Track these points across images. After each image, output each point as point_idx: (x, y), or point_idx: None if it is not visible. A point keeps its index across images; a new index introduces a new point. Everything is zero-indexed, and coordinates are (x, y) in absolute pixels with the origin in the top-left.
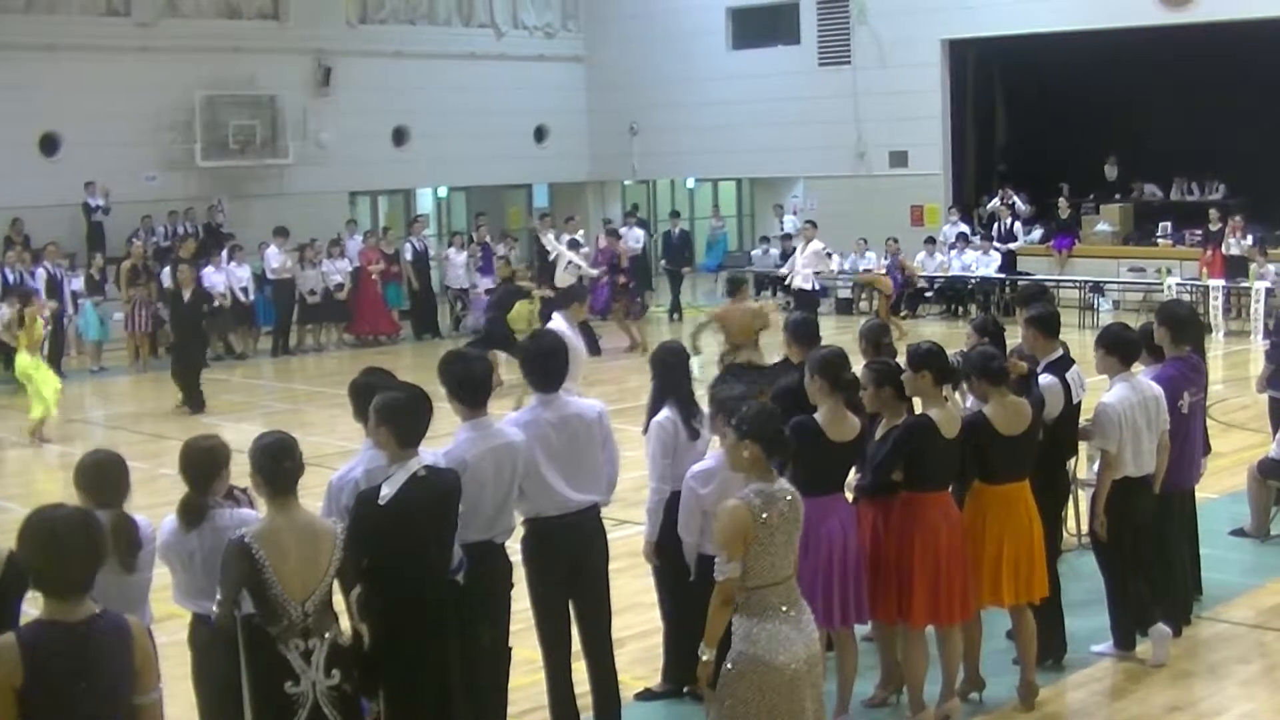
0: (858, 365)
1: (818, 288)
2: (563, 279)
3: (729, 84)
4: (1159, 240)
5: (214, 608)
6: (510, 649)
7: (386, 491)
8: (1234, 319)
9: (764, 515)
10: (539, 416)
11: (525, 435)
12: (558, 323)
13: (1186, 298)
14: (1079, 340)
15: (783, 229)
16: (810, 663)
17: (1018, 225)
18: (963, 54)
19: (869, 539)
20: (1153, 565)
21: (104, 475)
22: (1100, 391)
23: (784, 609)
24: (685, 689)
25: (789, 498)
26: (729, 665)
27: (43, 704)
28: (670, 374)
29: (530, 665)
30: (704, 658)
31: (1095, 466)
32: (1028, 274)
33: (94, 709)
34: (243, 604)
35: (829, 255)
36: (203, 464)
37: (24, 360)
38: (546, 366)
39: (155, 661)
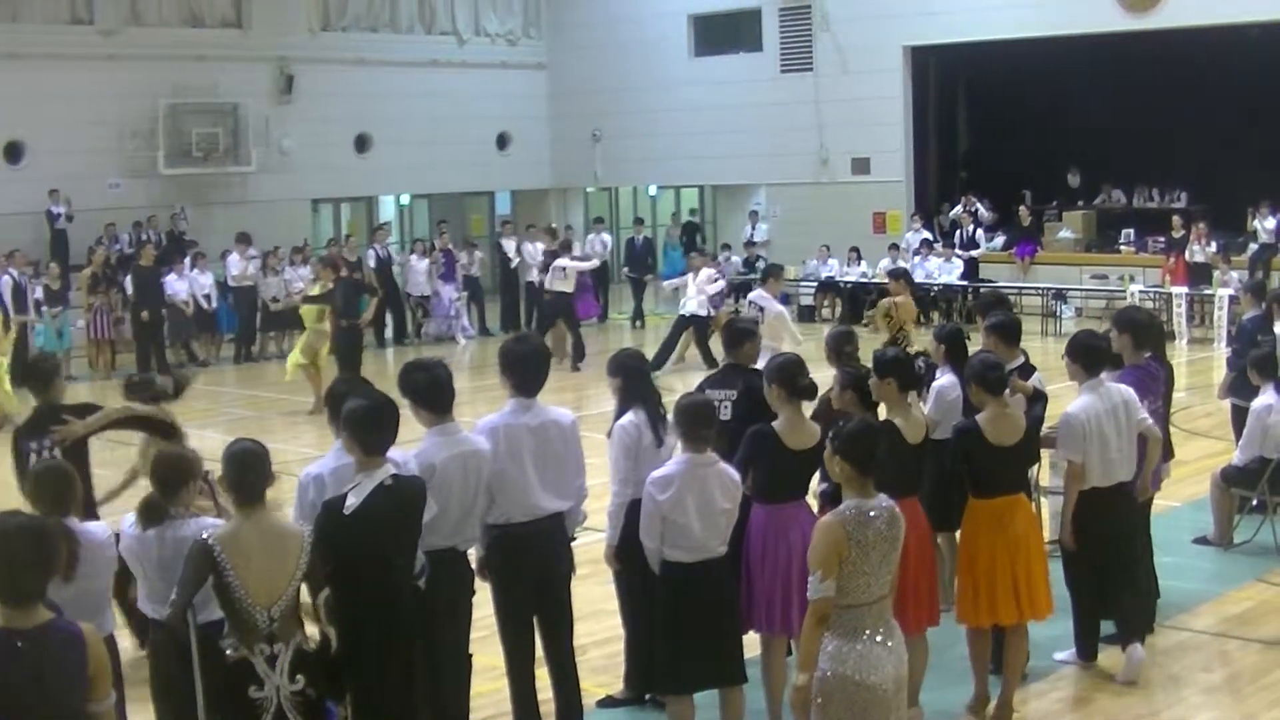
0: (824, 372)
1: (710, 314)
2: (556, 284)
3: (691, 91)
4: (1122, 247)
5: (167, 606)
6: (471, 655)
7: (352, 501)
8: (1197, 326)
9: (859, 533)
10: (517, 420)
11: (501, 438)
12: (760, 296)
13: (1150, 305)
14: (1041, 348)
15: (753, 236)
16: (898, 684)
17: (980, 232)
18: (925, 61)
19: None
20: (1120, 575)
21: (43, 485)
22: (1062, 400)
23: (876, 629)
24: (647, 696)
25: (886, 516)
26: (815, 685)
27: None
28: (634, 380)
29: (493, 672)
30: (797, 682)
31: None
32: (990, 281)
33: (48, 715)
34: (199, 613)
35: (719, 279)
36: (171, 472)
37: None
38: (526, 370)
39: (109, 669)
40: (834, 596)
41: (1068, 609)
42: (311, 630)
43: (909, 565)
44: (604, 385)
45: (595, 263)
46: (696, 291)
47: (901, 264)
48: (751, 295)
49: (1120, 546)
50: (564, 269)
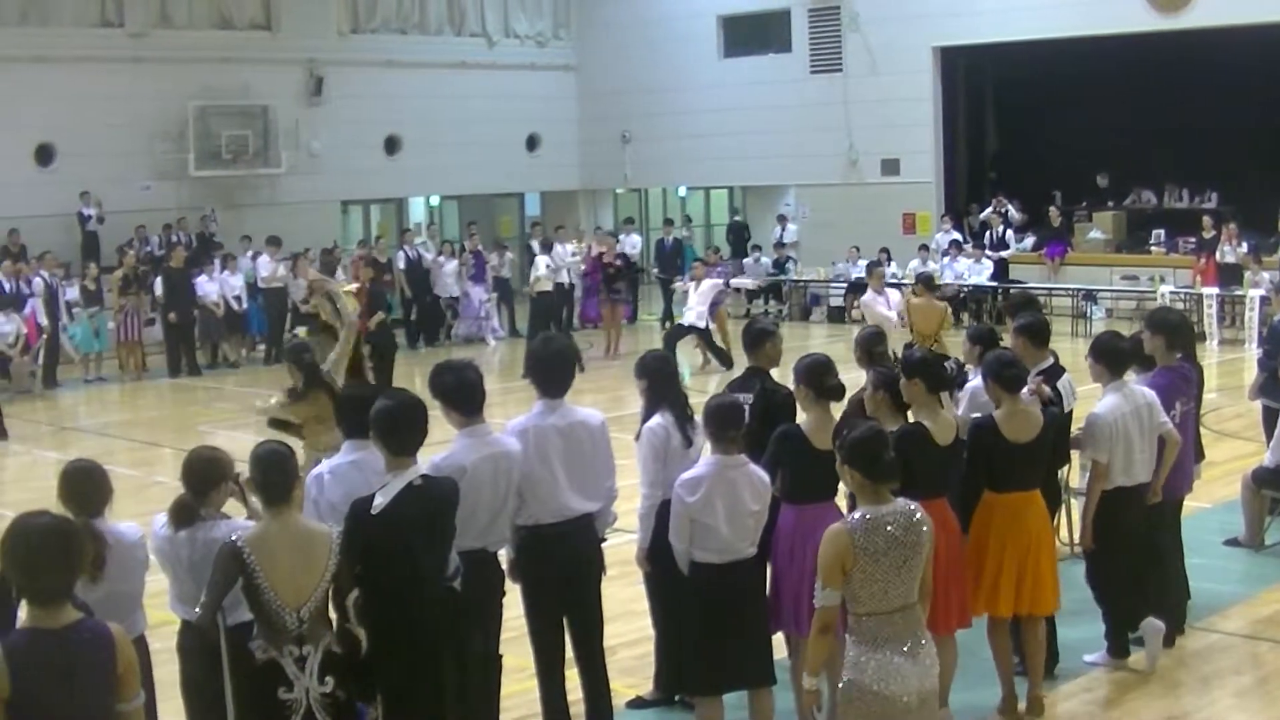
0: (854, 373)
1: (710, 326)
2: (541, 284)
3: (720, 92)
4: (1152, 248)
5: (197, 609)
6: (500, 656)
7: (379, 501)
8: (1228, 327)
9: (865, 541)
10: (545, 421)
11: (530, 439)
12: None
13: (1180, 306)
14: (1071, 349)
15: (781, 238)
16: (923, 697)
17: (1009, 233)
18: (954, 61)
19: None
20: (1148, 575)
21: (71, 486)
22: (1091, 401)
23: (899, 639)
24: (676, 697)
25: (902, 521)
26: (840, 691)
27: (28, 711)
28: (661, 381)
29: (522, 673)
30: (805, 685)
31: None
32: (1020, 282)
33: (76, 715)
34: (229, 614)
35: (727, 285)
36: (202, 473)
37: None
38: (553, 371)
39: (138, 668)
40: (835, 605)
41: (1094, 611)
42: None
43: (937, 567)
44: (633, 387)
45: (559, 274)
46: (698, 302)
47: (929, 268)
48: None
49: (1143, 545)
50: (555, 268)
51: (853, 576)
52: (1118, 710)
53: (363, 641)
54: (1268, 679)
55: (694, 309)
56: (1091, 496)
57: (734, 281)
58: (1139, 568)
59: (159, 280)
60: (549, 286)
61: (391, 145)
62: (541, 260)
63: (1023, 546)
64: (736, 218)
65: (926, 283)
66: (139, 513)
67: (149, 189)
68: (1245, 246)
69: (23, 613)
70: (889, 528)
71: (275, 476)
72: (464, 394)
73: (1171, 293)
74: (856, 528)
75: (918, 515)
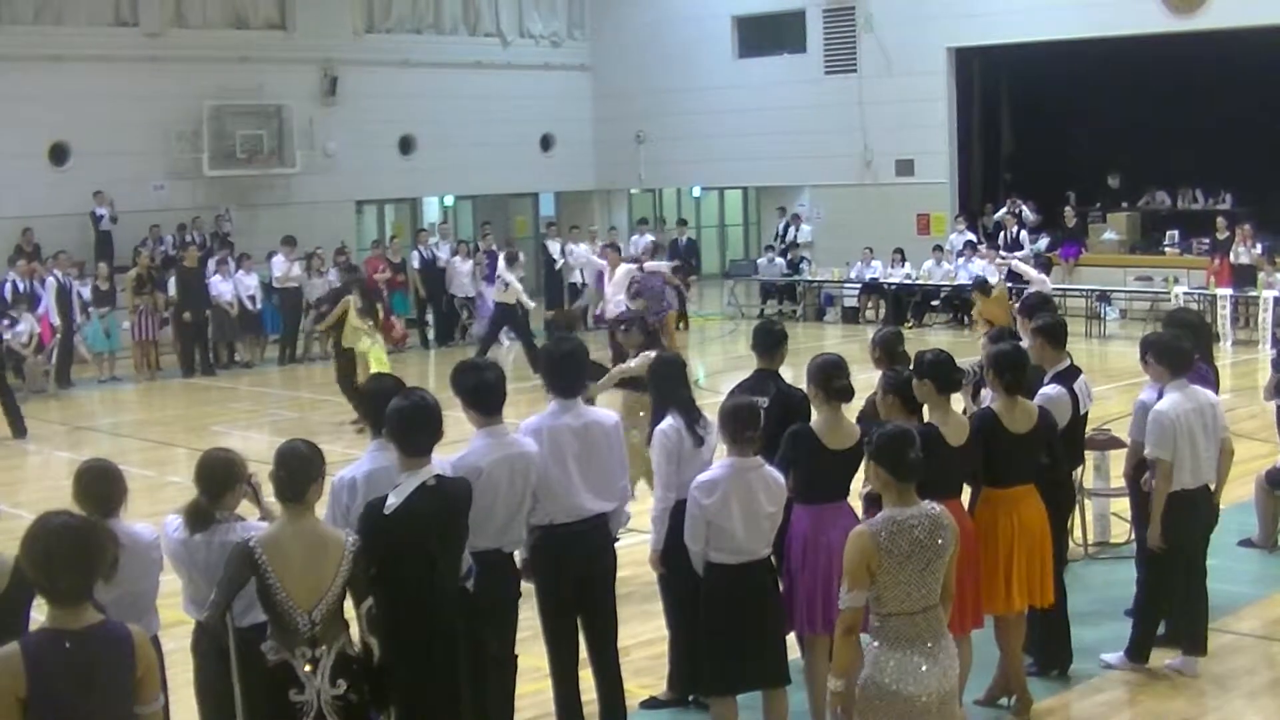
0: (868, 374)
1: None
2: (501, 295)
3: (735, 93)
4: (1166, 249)
5: (206, 608)
6: (516, 657)
7: (393, 501)
8: (1242, 328)
9: (890, 543)
10: (559, 421)
11: (544, 439)
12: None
13: (1194, 307)
14: (1085, 350)
15: (796, 238)
16: (942, 698)
17: (1024, 234)
18: (969, 62)
19: None
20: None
21: (86, 486)
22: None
23: (921, 639)
24: (690, 697)
25: (927, 525)
26: (858, 690)
27: (46, 713)
28: (666, 384)
29: (536, 673)
30: (832, 688)
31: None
32: None
33: (96, 717)
34: (243, 616)
35: (640, 269)
36: (217, 475)
37: None
38: (566, 371)
39: (157, 670)
40: (861, 607)
41: (1109, 612)
42: (355, 636)
43: (954, 568)
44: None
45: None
46: (614, 292)
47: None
48: None
49: (1199, 549)
50: (507, 283)
51: (877, 578)
52: (1131, 710)
53: (375, 650)
54: None
55: (611, 300)
56: (1158, 497)
57: (648, 265)
58: (1202, 569)
59: (172, 280)
60: (511, 299)
61: (406, 145)
62: (506, 276)
63: (1032, 540)
64: (786, 219)
65: (982, 287)
66: (153, 513)
67: (163, 189)
68: (1259, 248)
69: (41, 615)
70: (914, 530)
71: (284, 473)
72: (482, 394)
73: (1185, 294)
74: (881, 529)
75: (943, 519)
